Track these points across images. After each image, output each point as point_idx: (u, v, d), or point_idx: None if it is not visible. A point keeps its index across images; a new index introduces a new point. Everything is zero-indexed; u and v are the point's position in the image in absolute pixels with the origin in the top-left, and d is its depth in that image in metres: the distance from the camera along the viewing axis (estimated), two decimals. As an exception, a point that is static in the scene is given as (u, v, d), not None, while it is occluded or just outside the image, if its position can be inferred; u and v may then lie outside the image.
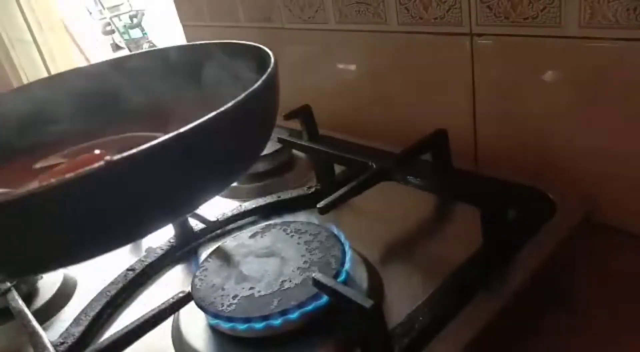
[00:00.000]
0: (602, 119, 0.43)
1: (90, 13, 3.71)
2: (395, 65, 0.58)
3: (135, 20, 3.72)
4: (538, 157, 0.48)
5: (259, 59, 0.39)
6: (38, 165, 0.42)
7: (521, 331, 0.37)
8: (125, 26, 3.72)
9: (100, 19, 3.75)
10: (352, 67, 0.64)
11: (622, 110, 0.42)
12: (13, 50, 1.64)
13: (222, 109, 0.28)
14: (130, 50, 3.72)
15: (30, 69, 1.73)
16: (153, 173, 0.27)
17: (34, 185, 0.35)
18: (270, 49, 0.39)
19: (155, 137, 0.26)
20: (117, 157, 0.24)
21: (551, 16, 0.42)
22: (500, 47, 0.47)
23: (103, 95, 0.49)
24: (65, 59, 1.72)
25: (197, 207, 0.35)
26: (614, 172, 0.44)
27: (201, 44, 0.48)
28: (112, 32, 3.80)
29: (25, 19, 1.59)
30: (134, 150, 0.25)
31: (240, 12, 0.74)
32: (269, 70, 0.34)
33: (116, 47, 3.99)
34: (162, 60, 0.49)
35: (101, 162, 0.23)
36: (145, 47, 3.73)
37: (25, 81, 1.78)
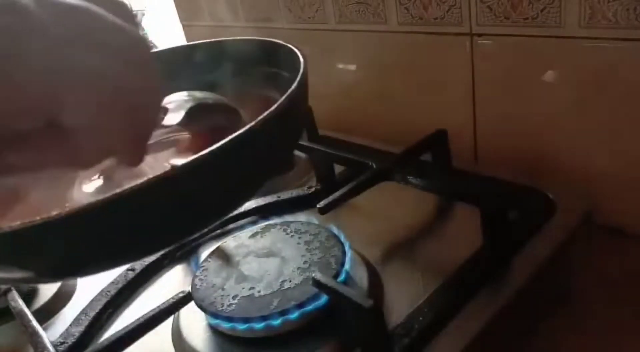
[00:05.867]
0: (602, 119, 0.43)
1: (91, 13, 3.71)
2: (395, 65, 0.58)
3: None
4: (538, 157, 0.48)
5: (272, 54, 0.38)
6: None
7: (521, 331, 0.37)
8: (125, 26, 3.72)
9: (100, 19, 3.76)
10: (352, 67, 0.64)
11: (621, 110, 0.42)
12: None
13: (276, 106, 0.26)
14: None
15: (30, 69, 1.73)
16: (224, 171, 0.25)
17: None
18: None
19: None
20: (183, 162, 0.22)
21: (551, 16, 0.42)
22: (500, 47, 0.47)
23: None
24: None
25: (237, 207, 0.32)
26: (614, 172, 0.44)
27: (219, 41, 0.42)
28: (112, 32, 3.80)
29: (25, 19, 1.58)
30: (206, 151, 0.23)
31: (240, 12, 0.74)
32: (302, 69, 0.32)
33: (116, 47, 3.99)
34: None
35: (168, 168, 0.22)
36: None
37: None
